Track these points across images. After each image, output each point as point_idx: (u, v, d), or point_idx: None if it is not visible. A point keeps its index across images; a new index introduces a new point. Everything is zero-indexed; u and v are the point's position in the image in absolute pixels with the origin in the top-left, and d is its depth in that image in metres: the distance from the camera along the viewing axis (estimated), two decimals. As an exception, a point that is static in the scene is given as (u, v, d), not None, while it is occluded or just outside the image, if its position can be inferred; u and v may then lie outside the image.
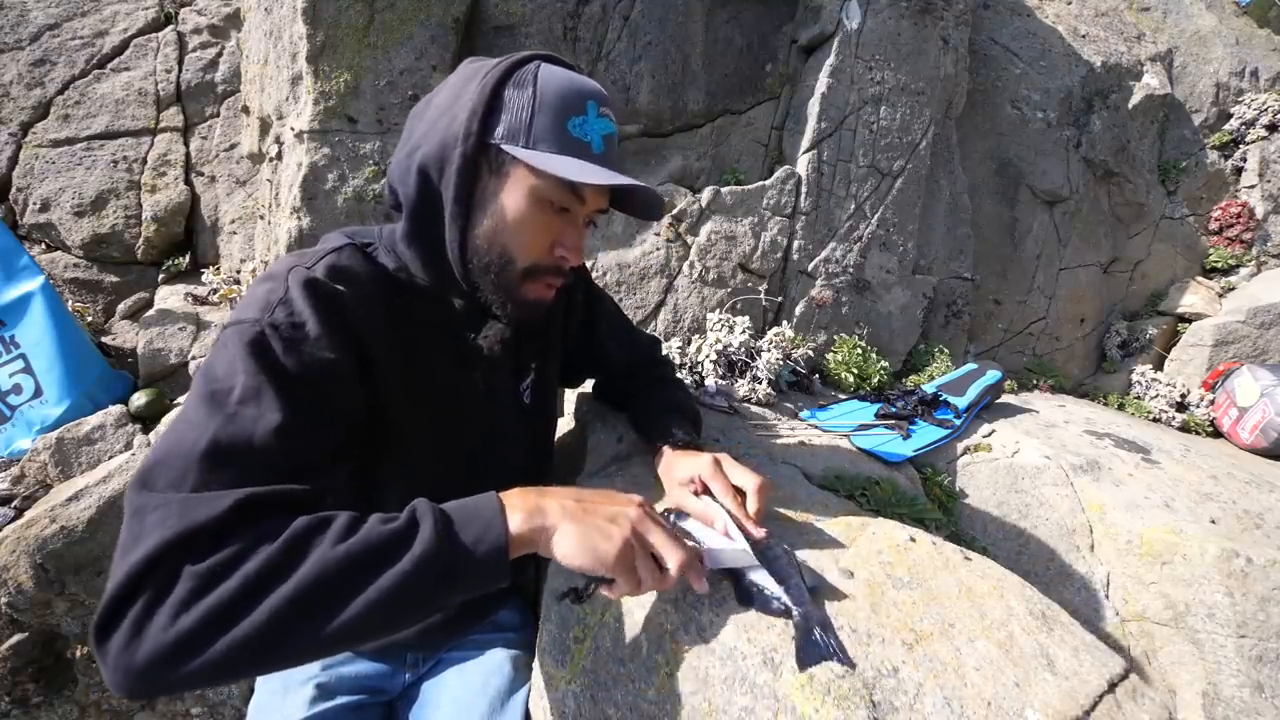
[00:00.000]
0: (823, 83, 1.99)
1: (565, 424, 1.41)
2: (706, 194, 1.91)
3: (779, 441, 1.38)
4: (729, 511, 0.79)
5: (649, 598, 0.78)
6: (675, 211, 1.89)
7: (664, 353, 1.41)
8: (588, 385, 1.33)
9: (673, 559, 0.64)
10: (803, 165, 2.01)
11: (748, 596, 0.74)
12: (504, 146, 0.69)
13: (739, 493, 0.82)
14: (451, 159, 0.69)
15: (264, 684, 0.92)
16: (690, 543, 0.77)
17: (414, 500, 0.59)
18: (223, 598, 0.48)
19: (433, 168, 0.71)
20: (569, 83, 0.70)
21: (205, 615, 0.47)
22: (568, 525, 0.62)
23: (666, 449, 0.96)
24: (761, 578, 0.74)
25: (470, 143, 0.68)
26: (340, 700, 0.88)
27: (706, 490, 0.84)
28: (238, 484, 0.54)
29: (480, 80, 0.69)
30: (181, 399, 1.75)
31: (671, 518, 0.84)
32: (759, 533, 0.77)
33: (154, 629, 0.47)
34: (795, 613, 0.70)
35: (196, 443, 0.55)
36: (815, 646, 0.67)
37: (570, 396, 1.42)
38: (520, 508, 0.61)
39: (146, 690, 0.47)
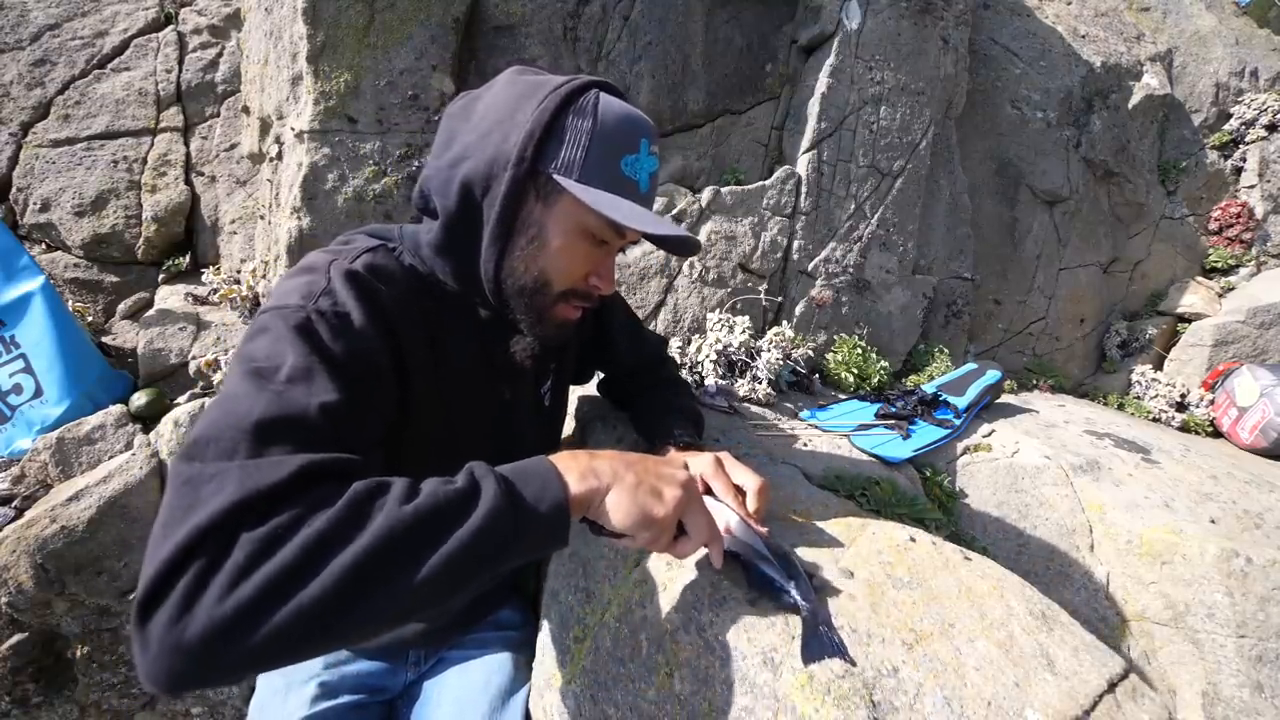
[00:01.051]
0: (823, 83, 1.99)
1: (565, 424, 1.41)
2: (706, 194, 1.91)
3: (779, 441, 1.38)
4: (730, 508, 0.79)
5: (652, 598, 0.79)
6: (675, 211, 1.88)
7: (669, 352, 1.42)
8: (589, 386, 1.33)
9: (701, 529, 0.66)
10: (803, 165, 2.00)
11: (760, 586, 0.75)
12: (556, 176, 0.68)
13: (739, 492, 0.82)
14: (500, 179, 0.68)
15: (265, 682, 0.93)
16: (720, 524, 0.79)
17: (468, 464, 0.58)
18: (285, 561, 0.44)
19: (478, 184, 0.70)
20: (626, 117, 0.70)
21: (267, 581, 0.43)
22: (620, 488, 0.62)
23: (670, 449, 0.96)
24: (772, 571, 0.74)
25: (524, 168, 0.68)
26: (342, 699, 0.88)
27: (708, 489, 0.84)
28: (296, 452, 0.51)
29: (540, 103, 0.68)
30: (182, 399, 1.75)
31: None
32: (760, 530, 0.77)
33: (208, 600, 0.42)
34: (804, 608, 0.71)
35: (249, 414, 0.52)
36: (820, 643, 0.67)
37: (570, 397, 1.42)
38: (574, 469, 0.61)
39: (197, 675, 0.42)
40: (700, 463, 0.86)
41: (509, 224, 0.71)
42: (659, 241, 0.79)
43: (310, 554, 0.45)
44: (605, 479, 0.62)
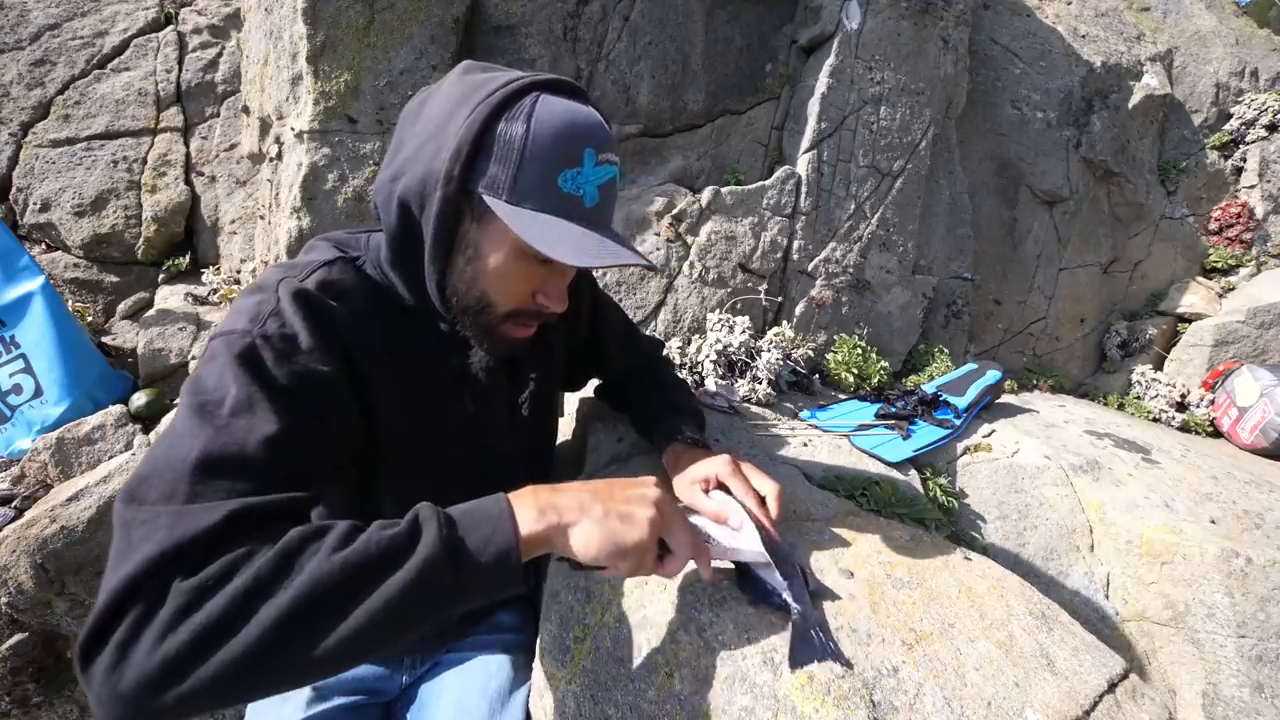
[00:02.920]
0: (823, 83, 1.99)
1: (566, 424, 1.41)
2: (706, 194, 1.91)
3: (779, 441, 1.38)
4: (748, 510, 0.79)
5: (652, 598, 0.79)
6: (675, 211, 1.88)
7: (665, 353, 1.41)
8: (588, 388, 1.33)
9: (684, 547, 0.64)
10: (803, 165, 2.00)
11: (750, 587, 0.75)
12: (485, 198, 0.63)
13: (756, 495, 0.82)
14: (432, 198, 0.64)
15: None
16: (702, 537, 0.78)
17: (416, 505, 0.56)
18: (212, 614, 0.45)
19: (414, 201, 0.66)
20: (567, 126, 0.63)
21: (194, 634, 0.44)
22: (587, 520, 0.59)
23: (677, 445, 0.96)
24: (766, 573, 0.74)
25: (451, 187, 0.63)
26: (337, 701, 0.88)
27: (721, 488, 0.84)
28: (231, 496, 0.51)
29: (470, 112, 0.62)
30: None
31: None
32: (775, 537, 0.77)
33: (140, 651, 0.43)
34: (794, 610, 0.70)
35: (188, 454, 0.52)
36: (810, 647, 0.67)
37: (570, 397, 1.42)
38: (531, 505, 0.58)
39: (137, 712, 0.43)
40: (714, 464, 0.86)
41: (445, 243, 0.67)
42: None
43: (237, 606, 0.45)
44: (568, 515, 0.59)
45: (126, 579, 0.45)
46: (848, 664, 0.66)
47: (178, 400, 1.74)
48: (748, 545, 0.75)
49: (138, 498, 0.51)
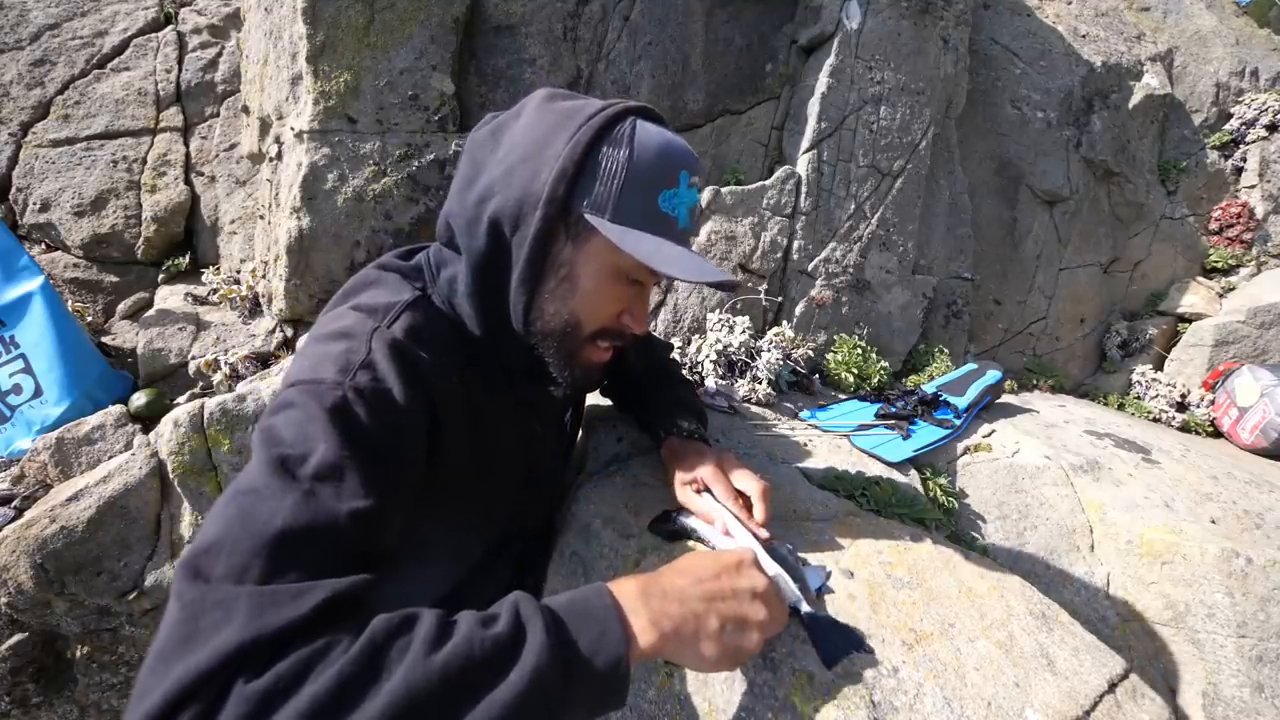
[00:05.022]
0: (823, 83, 1.99)
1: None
2: (706, 194, 1.91)
3: (779, 441, 1.38)
4: (731, 512, 0.79)
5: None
6: (675, 211, 1.89)
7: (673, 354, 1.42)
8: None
9: (782, 620, 0.62)
10: (803, 165, 2.00)
11: None
12: (589, 216, 0.64)
13: (741, 496, 0.83)
14: (529, 219, 0.64)
15: None
16: (696, 540, 0.80)
17: (511, 593, 0.50)
18: (296, 713, 0.38)
19: (506, 223, 0.65)
20: (665, 150, 0.65)
21: None
22: (704, 637, 0.53)
23: (674, 440, 0.97)
24: (773, 568, 0.74)
25: (554, 207, 0.63)
26: None
27: (708, 491, 0.84)
28: (312, 576, 0.45)
29: (572, 135, 0.63)
30: (181, 399, 1.75)
31: (677, 517, 0.85)
32: (763, 534, 0.77)
33: None
34: (804, 612, 0.71)
35: (270, 521, 0.46)
36: (833, 644, 0.67)
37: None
38: (641, 610, 0.52)
39: None
40: (701, 466, 0.86)
41: (539, 265, 0.67)
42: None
43: (318, 713, 0.38)
44: (685, 626, 0.53)
45: (189, 675, 0.38)
46: (870, 650, 0.67)
47: (180, 399, 1.75)
48: (741, 546, 0.75)
49: (204, 573, 0.44)
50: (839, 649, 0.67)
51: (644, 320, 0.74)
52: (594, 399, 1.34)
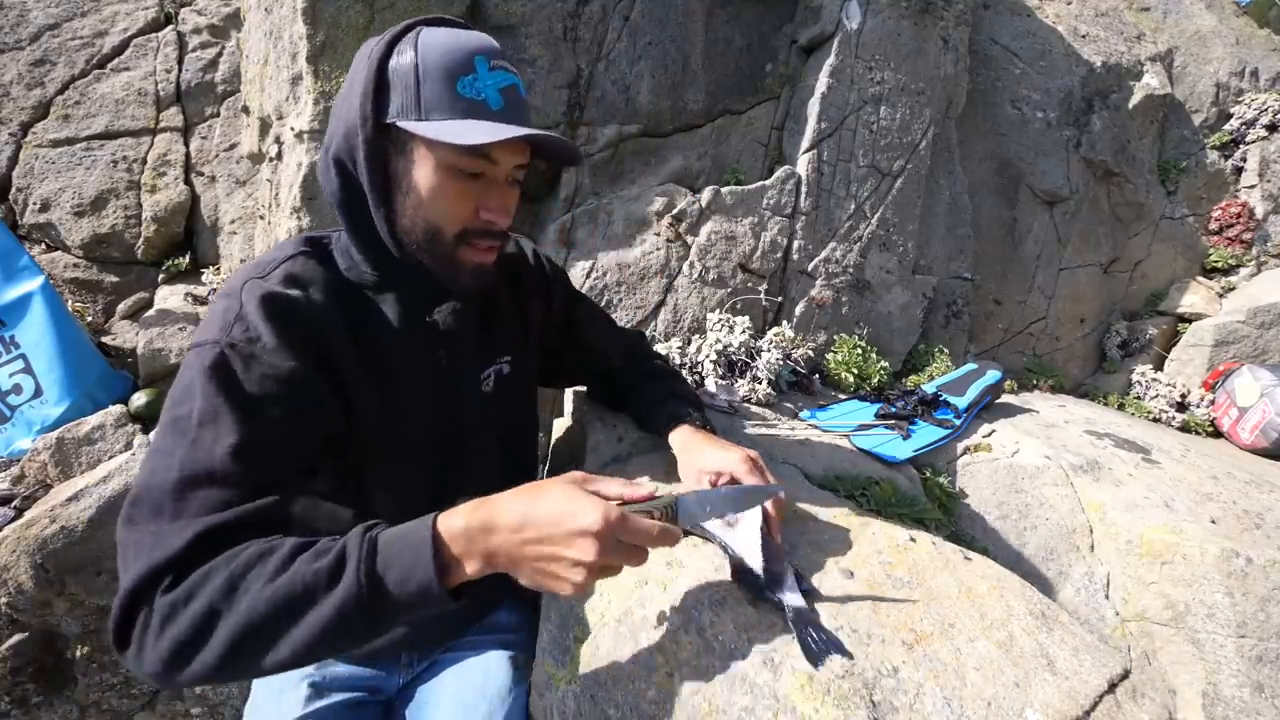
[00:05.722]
0: (823, 83, 1.99)
1: (566, 424, 1.41)
2: (706, 194, 1.91)
3: (779, 441, 1.38)
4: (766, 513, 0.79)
5: (652, 598, 0.79)
6: (675, 211, 1.88)
7: (654, 347, 1.41)
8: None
9: (646, 540, 0.61)
10: (803, 165, 2.00)
11: (745, 579, 0.75)
12: (399, 124, 0.68)
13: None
14: (357, 147, 0.69)
15: (260, 684, 0.93)
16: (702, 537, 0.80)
17: (356, 526, 0.59)
18: (183, 628, 0.54)
19: (346, 159, 0.72)
20: (452, 42, 0.68)
21: (174, 642, 0.54)
22: (519, 572, 0.59)
23: (685, 428, 0.95)
24: (758, 569, 0.74)
25: (369, 127, 0.68)
26: (336, 698, 0.88)
27: (733, 483, 0.84)
28: (206, 510, 0.58)
29: (367, 60, 0.69)
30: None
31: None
32: (777, 543, 0.78)
33: (147, 648, 0.55)
34: (788, 609, 0.71)
35: (167, 474, 0.59)
36: (813, 643, 0.67)
37: (570, 397, 1.42)
38: (461, 532, 0.58)
39: (166, 685, 0.56)
40: (729, 459, 0.85)
41: (382, 186, 0.71)
42: (541, 153, 0.78)
43: (199, 625, 0.54)
44: (498, 561, 0.59)
45: (126, 594, 0.56)
46: (848, 654, 0.66)
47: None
48: (742, 544, 0.75)
49: (132, 519, 0.59)
50: (819, 651, 0.66)
51: (504, 211, 0.75)
52: (595, 403, 1.34)
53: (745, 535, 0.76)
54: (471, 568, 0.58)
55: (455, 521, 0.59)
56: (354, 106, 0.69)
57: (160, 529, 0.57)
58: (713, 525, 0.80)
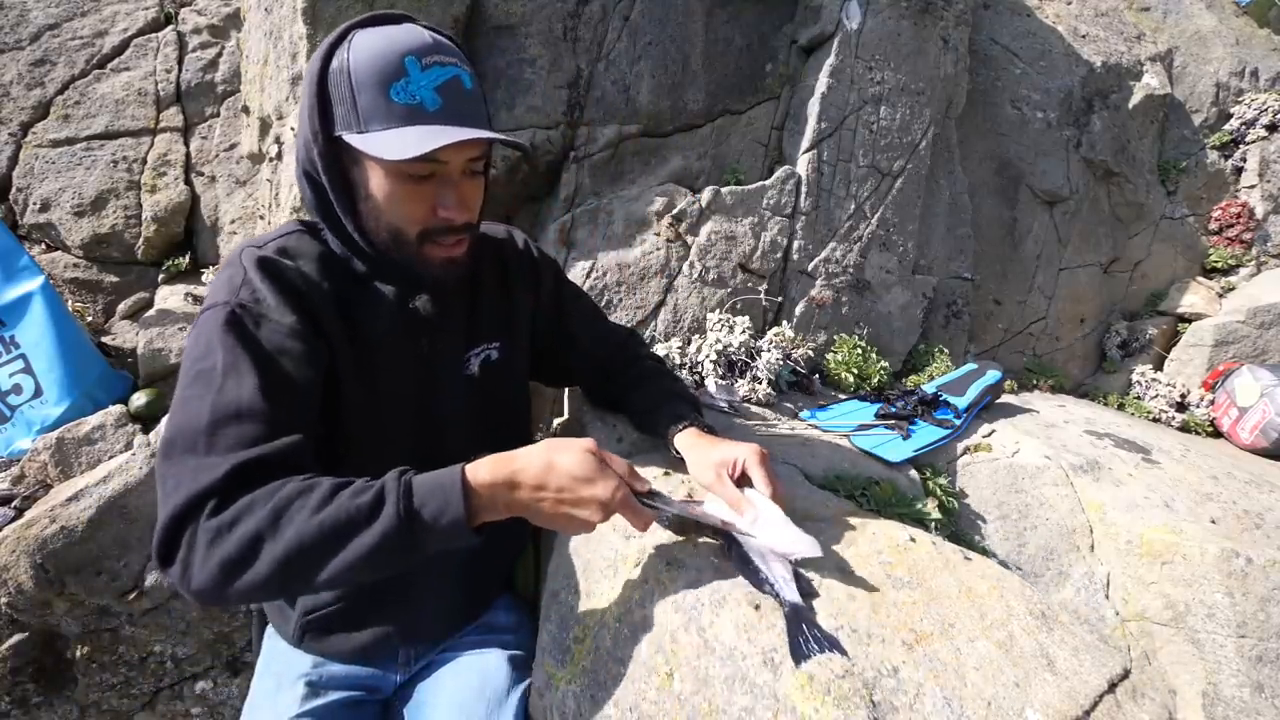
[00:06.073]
0: (823, 83, 1.99)
1: (564, 422, 1.42)
2: (706, 194, 1.91)
3: (779, 441, 1.38)
4: (769, 503, 0.80)
5: (651, 598, 0.79)
6: (675, 211, 1.88)
7: (652, 347, 1.40)
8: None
9: (635, 528, 0.71)
10: (803, 165, 2.00)
11: (745, 571, 0.75)
12: (345, 138, 0.70)
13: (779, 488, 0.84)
14: (315, 160, 0.73)
15: (259, 681, 0.92)
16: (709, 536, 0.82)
17: (390, 470, 0.65)
18: (229, 550, 0.59)
19: (310, 170, 0.75)
20: (382, 45, 0.68)
21: (221, 563, 0.59)
22: (536, 515, 0.67)
23: (693, 430, 0.95)
24: (763, 563, 0.74)
25: (320, 141, 0.72)
26: (334, 696, 0.88)
27: (745, 477, 0.84)
28: (238, 445, 0.63)
29: (309, 73, 0.71)
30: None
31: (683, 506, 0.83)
32: (796, 553, 0.78)
33: (194, 569, 0.60)
34: (786, 604, 0.71)
35: (199, 416, 0.64)
36: (806, 642, 0.67)
37: (569, 396, 1.42)
38: (488, 484, 0.65)
39: (214, 604, 0.69)
40: (744, 449, 0.85)
41: (345, 194, 0.75)
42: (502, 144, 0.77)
43: (246, 547, 0.59)
44: (518, 508, 0.67)
45: (170, 518, 0.61)
46: (844, 652, 0.66)
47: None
48: (771, 535, 0.75)
49: (169, 455, 0.65)
50: (809, 650, 0.66)
51: (461, 207, 0.76)
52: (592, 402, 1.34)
53: (771, 529, 0.77)
54: (493, 514, 0.66)
55: (482, 474, 0.66)
56: (305, 123, 0.72)
57: (198, 462, 0.62)
58: (730, 518, 0.80)
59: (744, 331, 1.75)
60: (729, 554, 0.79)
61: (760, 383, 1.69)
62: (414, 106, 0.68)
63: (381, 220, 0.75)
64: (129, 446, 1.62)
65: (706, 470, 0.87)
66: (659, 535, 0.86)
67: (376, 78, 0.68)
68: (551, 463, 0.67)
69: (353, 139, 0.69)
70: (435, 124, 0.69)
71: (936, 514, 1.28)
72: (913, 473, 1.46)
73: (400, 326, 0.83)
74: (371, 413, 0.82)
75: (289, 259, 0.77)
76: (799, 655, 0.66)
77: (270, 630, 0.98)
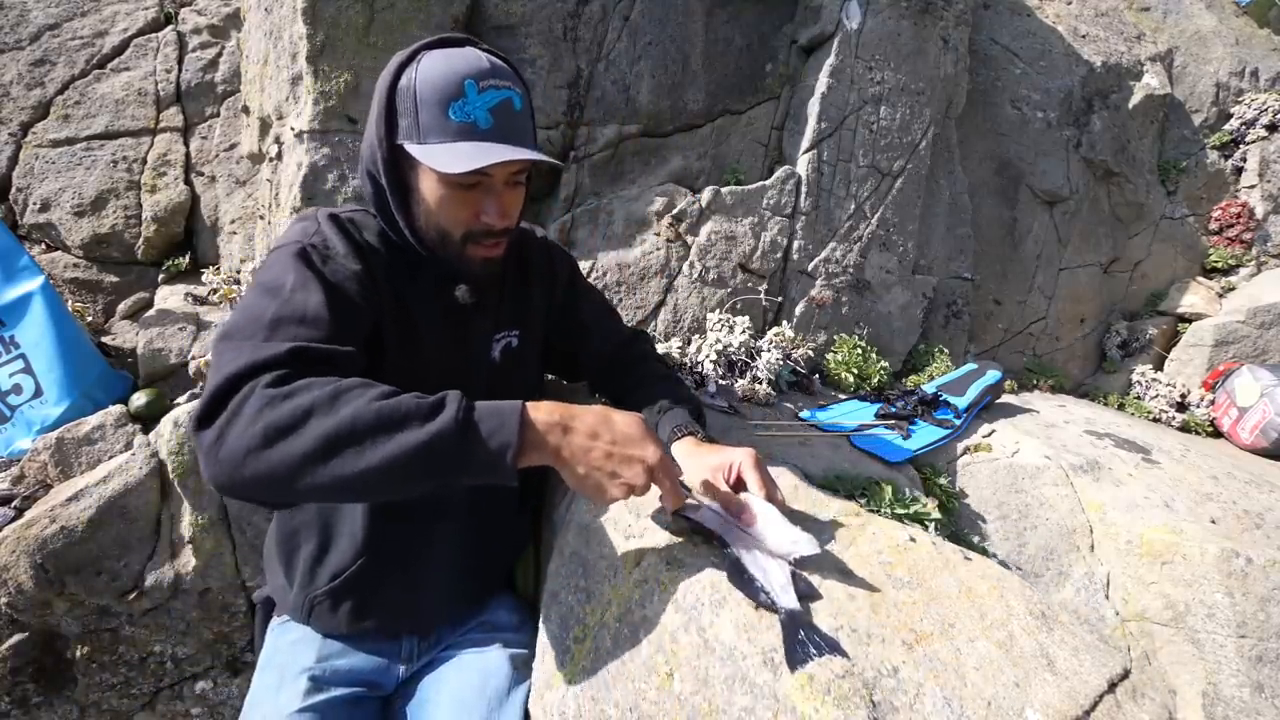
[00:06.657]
0: (823, 83, 1.99)
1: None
2: (706, 194, 1.91)
3: (779, 441, 1.38)
4: (764, 504, 0.81)
5: (651, 598, 0.79)
6: (675, 211, 1.88)
7: (658, 350, 1.41)
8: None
9: (667, 498, 0.75)
10: (803, 165, 2.00)
11: (739, 582, 0.75)
12: (406, 146, 0.78)
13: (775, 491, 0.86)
14: (378, 162, 0.81)
15: (261, 675, 0.93)
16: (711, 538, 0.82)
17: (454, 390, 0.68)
18: (281, 415, 0.61)
19: (373, 170, 0.84)
20: (445, 68, 0.77)
21: (267, 427, 0.60)
22: (581, 464, 0.69)
23: (690, 440, 0.96)
24: (757, 571, 0.74)
25: (383, 147, 0.80)
26: (335, 692, 0.88)
27: (740, 482, 0.86)
28: (299, 340, 0.68)
29: (380, 86, 0.80)
30: (181, 399, 1.75)
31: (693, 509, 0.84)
32: (797, 552, 0.79)
33: (231, 433, 0.61)
34: (781, 611, 0.70)
35: (264, 312, 0.71)
36: (802, 647, 0.67)
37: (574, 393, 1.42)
38: (545, 420, 0.68)
39: (228, 478, 0.61)
40: (739, 453, 0.88)
41: (401, 195, 0.83)
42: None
43: (298, 416, 0.61)
44: (567, 451, 0.68)
45: (226, 378, 0.64)
46: (842, 653, 0.66)
47: (180, 399, 1.75)
48: (769, 535, 0.76)
49: (229, 337, 0.70)
50: (805, 655, 0.66)
51: (502, 214, 0.84)
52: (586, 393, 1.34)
53: (774, 532, 0.77)
54: (541, 456, 0.68)
55: (541, 412, 0.69)
56: (372, 128, 0.81)
57: (257, 343, 0.67)
58: (729, 521, 0.81)
59: (744, 331, 1.75)
60: (722, 564, 0.79)
61: (760, 383, 1.69)
62: (468, 125, 0.77)
63: (431, 220, 0.83)
64: (129, 446, 1.62)
65: (702, 475, 0.88)
66: (659, 535, 0.86)
67: (438, 96, 0.76)
68: (609, 416, 0.72)
69: (413, 148, 0.77)
70: (486, 141, 0.77)
71: (936, 514, 1.28)
72: (913, 473, 1.46)
73: (440, 310, 0.91)
74: (410, 383, 0.83)
75: (358, 230, 0.86)
76: (795, 661, 0.66)
77: (274, 625, 0.99)
